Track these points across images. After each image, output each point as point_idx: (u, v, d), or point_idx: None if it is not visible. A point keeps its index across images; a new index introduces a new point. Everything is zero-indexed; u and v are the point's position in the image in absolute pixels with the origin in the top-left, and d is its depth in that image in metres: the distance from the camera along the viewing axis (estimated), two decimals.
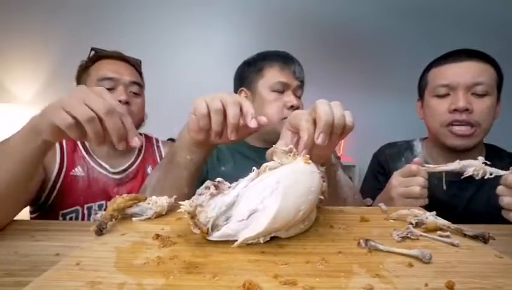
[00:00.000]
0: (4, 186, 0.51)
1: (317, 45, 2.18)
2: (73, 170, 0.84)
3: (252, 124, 0.48)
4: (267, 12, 2.18)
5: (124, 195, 0.50)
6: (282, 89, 0.86)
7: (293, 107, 0.84)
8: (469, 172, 0.56)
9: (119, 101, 0.80)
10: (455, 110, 0.76)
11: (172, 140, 1.46)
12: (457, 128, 0.77)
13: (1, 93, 2.11)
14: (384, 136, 1.71)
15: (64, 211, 0.81)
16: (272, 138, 0.87)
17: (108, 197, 0.85)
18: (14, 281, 0.35)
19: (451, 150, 0.81)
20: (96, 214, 0.47)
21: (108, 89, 0.81)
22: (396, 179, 0.67)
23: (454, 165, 0.59)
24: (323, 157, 0.53)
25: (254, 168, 0.43)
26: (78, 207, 0.82)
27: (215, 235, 0.39)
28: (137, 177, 0.90)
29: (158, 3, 2.14)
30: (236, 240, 0.38)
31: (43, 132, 0.48)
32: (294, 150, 0.43)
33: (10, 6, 2.08)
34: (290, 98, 0.85)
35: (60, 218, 0.80)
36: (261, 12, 2.18)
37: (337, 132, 0.44)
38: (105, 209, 0.85)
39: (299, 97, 0.90)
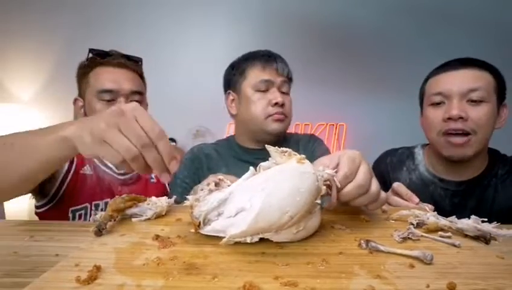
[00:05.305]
0: (18, 179, 0.50)
1: (317, 45, 2.18)
2: (82, 169, 0.86)
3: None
4: (267, 12, 2.17)
5: (124, 195, 0.50)
6: (265, 87, 0.86)
7: (277, 104, 0.84)
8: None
9: None
10: (449, 119, 0.75)
11: (172, 140, 1.46)
12: (453, 138, 0.76)
13: (1, 93, 2.10)
14: (385, 136, 1.71)
15: (74, 207, 0.83)
16: (262, 138, 0.87)
17: (114, 196, 0.86)
18: (13, 282, 0.35)
19: (449, 159, 0.80)
20: (95, 214, 0.47)
21: (109, 101, 0.81)
22: (392, 190, 0.67)
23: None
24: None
25: (251, 167, 0.43)
26: (87, 204, 0.85)
27: (206, 230, 0.39)
28: (141, 179, 0.93)
29: (158, 3, 2.13)
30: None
31: (78, 149, 0.45)
32: (289, 150, 0.42)
33: (10, 6, 2.07)
34: (274, 95, 0.85)
35: (70, 215, 0.83)
36: (260, 12, 2.18)
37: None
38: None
39: (287, 93, 0.89)
